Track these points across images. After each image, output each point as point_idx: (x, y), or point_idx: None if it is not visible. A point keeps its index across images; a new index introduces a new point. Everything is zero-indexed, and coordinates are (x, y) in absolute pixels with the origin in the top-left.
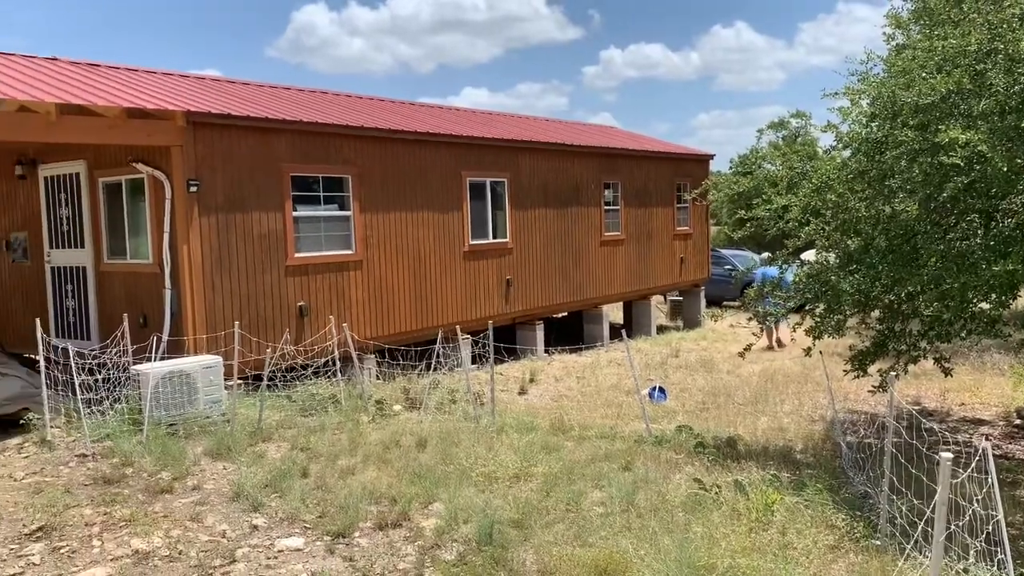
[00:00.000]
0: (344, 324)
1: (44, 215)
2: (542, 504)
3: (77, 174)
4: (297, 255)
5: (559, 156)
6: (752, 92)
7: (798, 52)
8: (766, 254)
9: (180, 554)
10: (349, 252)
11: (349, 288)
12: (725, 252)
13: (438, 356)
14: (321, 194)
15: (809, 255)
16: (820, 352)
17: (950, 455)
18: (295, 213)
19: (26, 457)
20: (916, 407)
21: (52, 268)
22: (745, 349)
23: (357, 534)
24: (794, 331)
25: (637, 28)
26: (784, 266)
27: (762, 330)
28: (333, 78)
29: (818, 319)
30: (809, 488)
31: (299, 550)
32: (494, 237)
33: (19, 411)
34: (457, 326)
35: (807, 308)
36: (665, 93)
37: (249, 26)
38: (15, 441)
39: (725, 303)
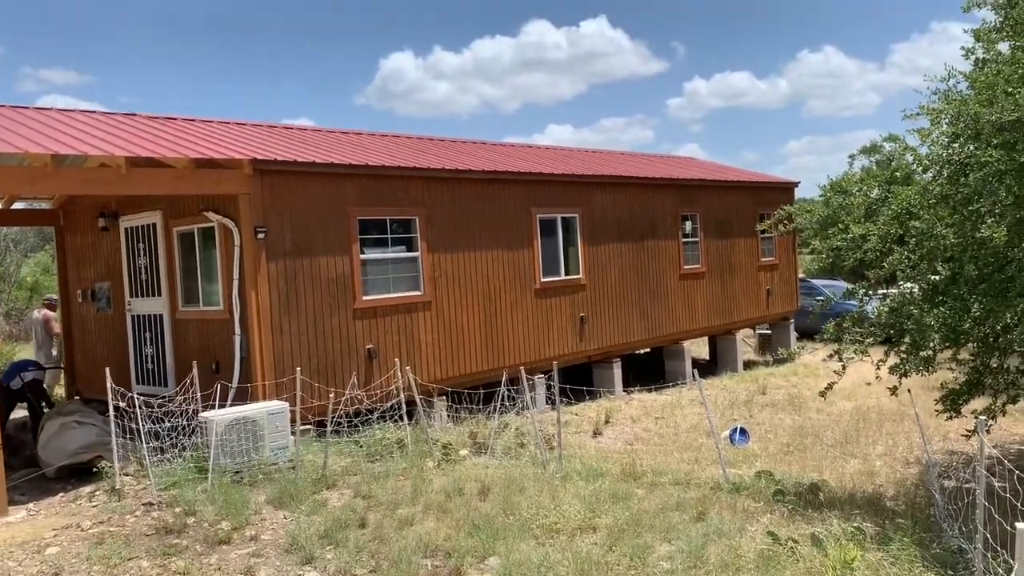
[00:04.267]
0: (408, 367)
1: (125, 265)
2: (603, 559)
3: (153, 224)
4: (365, 298)
5: (633, 189)
6: (844, 117)
7: (891, 74)
8: (850, 286)
9: None
10: (417, 293)
11: (418, 330)
12: (816, 282)
13: (505, 398)
14: (389, 236)
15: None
16: (908, 390)
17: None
18: (363, 256)
19: (95, 505)
20: None
21: (132, 316)
22: (827, 388)
23: None
24: (878, 368)
25: (722, 58)
26: (865, 298)
27: (844, 368)
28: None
29: (903, 356)
30: (896, 542)
31: None
32: (566, 274)
33: (94, 459)
34: (523, 367)
35: (892, 343)
36: (753, 122)
37: (339, 75)
38: (88, 489)
39: (817, 336)
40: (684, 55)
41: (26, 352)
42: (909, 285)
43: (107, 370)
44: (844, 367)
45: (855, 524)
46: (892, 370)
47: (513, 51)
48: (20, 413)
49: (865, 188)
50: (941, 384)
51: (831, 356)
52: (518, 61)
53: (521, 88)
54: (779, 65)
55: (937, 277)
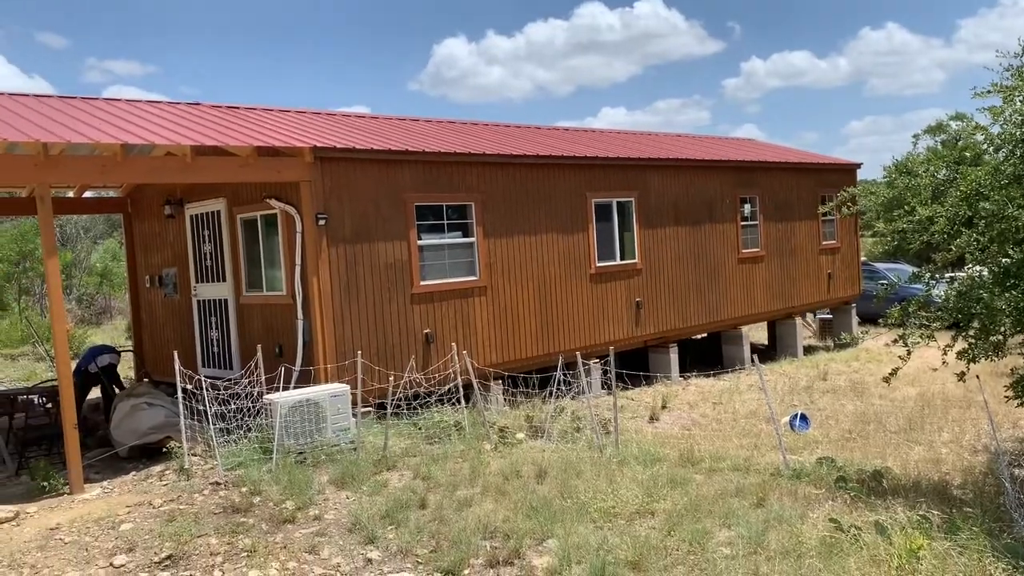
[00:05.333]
0: (466, 351)
1: (190, 251)
2: (662, 544)
3: (218, 211)
4: (422, 283)
5: (690, 172)
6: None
7: (958, 51)
8: (914, 269)
9: None
10: (473, 278)
11: (474, 314)
12: (879, 266)
13: (560, 382)
14: (445, 222)
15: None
16: (977, 376)
17: None
18: (420, 242)
19: (165, 484)
20: None
21: (198, 301)
22: (891, 373)
23: (467, 571)
24: (945, 354)
25: (780, 37)
26: (932, 282)
27: (908, 353)
28: (473, 107)
29: (972, 340)
30: (964, 531)
31: None
32: (622, 258)
33: (163, 439)
34: (580, 352)
35: (960, 328)
36: (812, 102)
37: (394, 62)
38: (158, 468)
39: (881, 321)
40: (741, 34)
41: (98, 336)
42: (978, 268)
43: (175, 353)
44: (909, 352)
45: (921, 512)
46: (960, 355)
47: (566, 34)
48: (94, 394)
49: (933, 169)
50: (1011, 370)
51: (895, 341)
52: (571, 44)
53: (574, 71)
54: (839, 43)
55: (1008, 260)
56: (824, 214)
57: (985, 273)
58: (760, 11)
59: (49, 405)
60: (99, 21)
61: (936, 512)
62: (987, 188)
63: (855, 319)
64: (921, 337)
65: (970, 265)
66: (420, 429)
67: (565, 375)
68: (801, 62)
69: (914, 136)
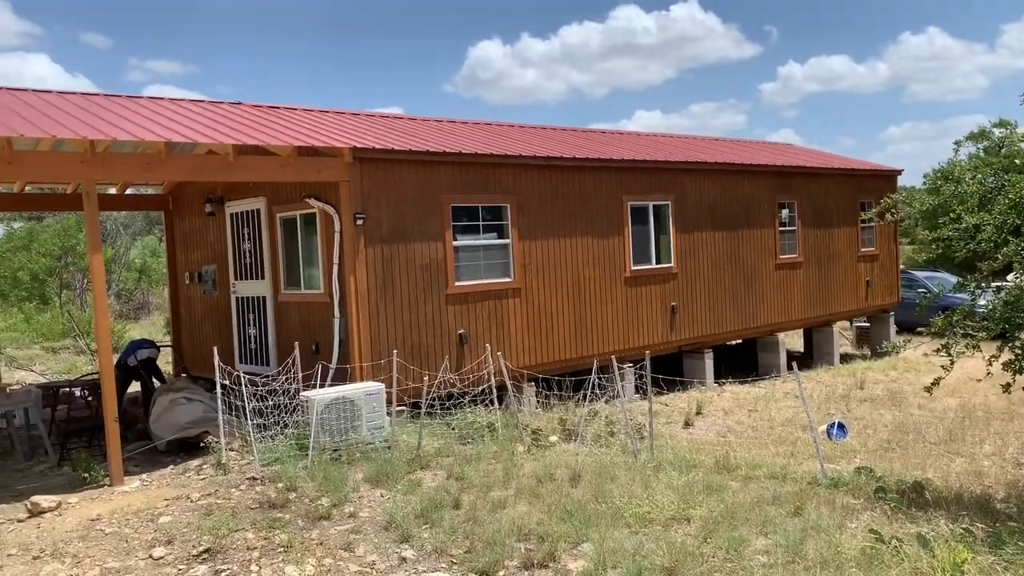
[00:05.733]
0: (500, 353)
1: (230, 249)
2: (698, 550)
3: (258, 210)
4: (457, 284)
5: (727, 176)
6: (949, 102)
7: (1001, 56)
8: (955, 278)
9: None
10: (508, 280)
11: (508, 316)
12: (918, 274)
13: (595, 386)
14: (480, 223)
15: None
16: (1023, 388)
17: None
18: (455, 243)
19: (203, 478)
20: None
21: (237, 298)
22: (933, 383)
23: (502, 573)
24: (990, 364)
25: (817, 41)
26: (977, 291)
27: (952, 363)
28: (507, 110)
29: (1019, 351)
30: (1009, 546)
31: None
32: (657, 262)
33: (201, 434)
34: (614, 356)
35: (1007, 338)
36: (850, 107)
37: (429, 64)
38: (196, 462)
39: (919, 330)
40: (778, 38)
41: (135, 331)
42: None
43: (215, 349)
44: (952, 362)
45: (964, 525)
46: (1006, 367)
47: (601, 36)
48: (134, 388)
49: (980, 176)
50: None
51: (938, 351)
52: (606, 47)
53: (609, 74)
54: (879, 48)
55: None
56: (864, 221)
57: None
58: (798, 15)
59: (90, 398)
60: (143, 22)
61: (980, 525)
62: None
63: (893, 328)
64: (966, 347)
65: (1018, 274)
66: (453, 429)
67: (599, 379)
68: (839, 66)
69: (956, 143)
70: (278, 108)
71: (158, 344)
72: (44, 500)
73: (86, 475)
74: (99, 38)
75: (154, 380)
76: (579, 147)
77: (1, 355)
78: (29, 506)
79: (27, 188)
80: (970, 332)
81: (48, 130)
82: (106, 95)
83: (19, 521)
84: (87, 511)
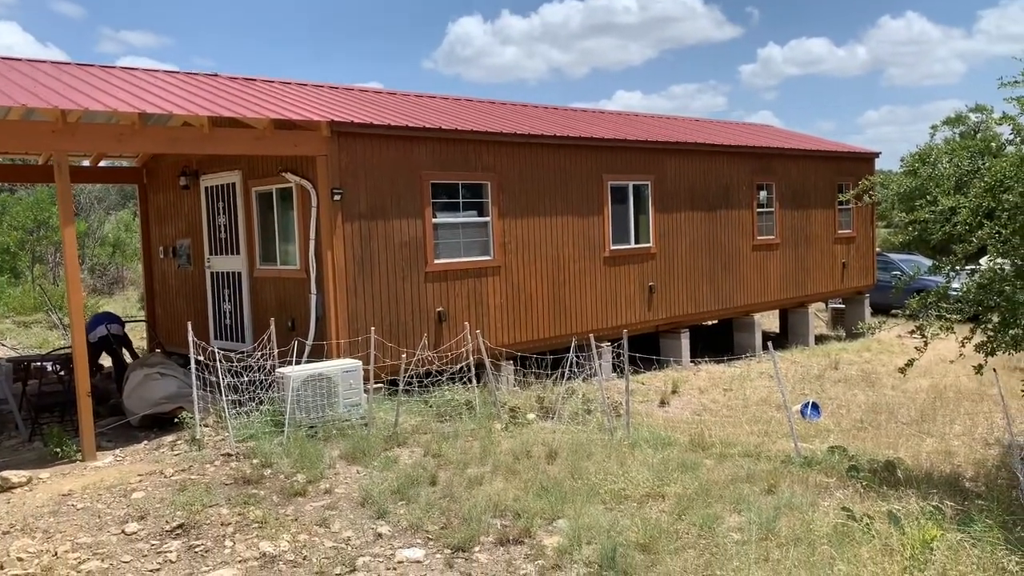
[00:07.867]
0: (478, 331)
1: (204, 223)
2: (673, 527)
3: (233, 184)
4: (436, 261)
5: (707, 157)
6: (926, 86)
7: (978, 42)
8: (930, 261)
9: (304, 559)
10: (487, 258)
11: (487, 294)
12: (893, 256)
13: (573, 364)
14: (460, 201)
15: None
16: (994, 370)
17: None
18: (435, 220)
19: (177, 454)
20: None
21: (211, 273)
22: (907, 364)
23: (477, 549)
24: (962, 346)
25: (798, 24)
26: (951, 274)
27: (925, 344)
28: (487, 87)
29: (991, 333)
30: (977, 523)
31: (418, 562)
32: (636, 242)
33: (175, 410)
34: (592, 334)
35: (980, 320)
36: (829, 90)
37: (407, 39)
38: (169, 438)
39: (893, 312)
40: (759, 20)
41: (110, 306)
42: (1000, 260)
43: (188, 325)
44: (926, 343)
45: (933, 504)
46: (978, 348)
47: (582, 15)
48: (108, 363)
49: (956, 159)
50: None
51: (912, 332)
52: (587, 26)
53: (589, 53)
54: (858, 31)
55: None
56: (841, 203)
57: (1007, 266)
58: None
59: (62, 372)
60: None
61: (949, 504)
62: (1011, 179)
63: (868, 309)
64: (940, 329)
65: (991, 257)
66: (431, 407)
67: (577, 357)
68: (819, 49)
69: (932, 127)
70: (255, 80)
71: (123, 319)
72: (14, 475)
73: (58, 450)
74: (71, 7)
75: (126, 354)
76: (560, 125)
77: None
78: None
79: None
80: (944, 314)
81: (18, 99)
82: (79, 64)
83: None
84: (58, 486)
